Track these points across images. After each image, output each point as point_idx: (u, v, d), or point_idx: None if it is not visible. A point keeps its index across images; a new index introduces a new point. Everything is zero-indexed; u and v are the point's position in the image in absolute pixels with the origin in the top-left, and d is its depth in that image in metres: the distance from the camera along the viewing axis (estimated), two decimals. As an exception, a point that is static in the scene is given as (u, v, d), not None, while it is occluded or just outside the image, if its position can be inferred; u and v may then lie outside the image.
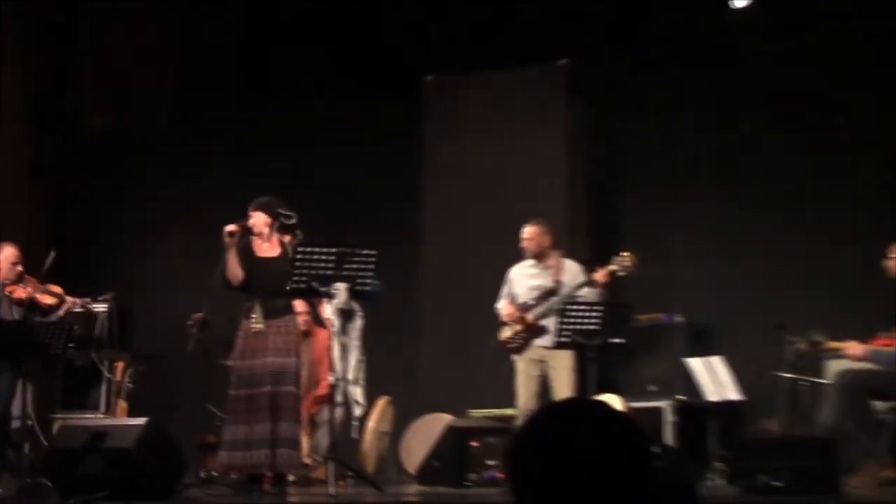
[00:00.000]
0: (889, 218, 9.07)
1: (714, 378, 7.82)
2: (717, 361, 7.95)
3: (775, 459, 6.19)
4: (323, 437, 8.40)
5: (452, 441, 8.09)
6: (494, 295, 8.74)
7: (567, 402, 2.96)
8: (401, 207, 10.59)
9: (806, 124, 9.74)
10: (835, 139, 9.59)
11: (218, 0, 11.09)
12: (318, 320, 7.77)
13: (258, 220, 7.69)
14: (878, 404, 7.19)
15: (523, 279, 8.58)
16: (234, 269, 7.51)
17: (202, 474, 7.88)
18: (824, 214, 9.59)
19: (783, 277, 9.56)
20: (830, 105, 9.66)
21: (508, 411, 8.70)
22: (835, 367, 7.87)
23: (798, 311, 8.71)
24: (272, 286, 7.42)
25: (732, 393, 7.80)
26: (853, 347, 7.42)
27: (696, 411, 8.41)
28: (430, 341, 10.12)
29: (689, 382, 8.26)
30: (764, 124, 9.90)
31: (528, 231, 8.56)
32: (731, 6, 10.26)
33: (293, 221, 7.72)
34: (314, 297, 7.40)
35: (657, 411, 8.74)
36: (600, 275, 8.24)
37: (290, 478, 7.47)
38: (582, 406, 2.74)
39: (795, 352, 7.83)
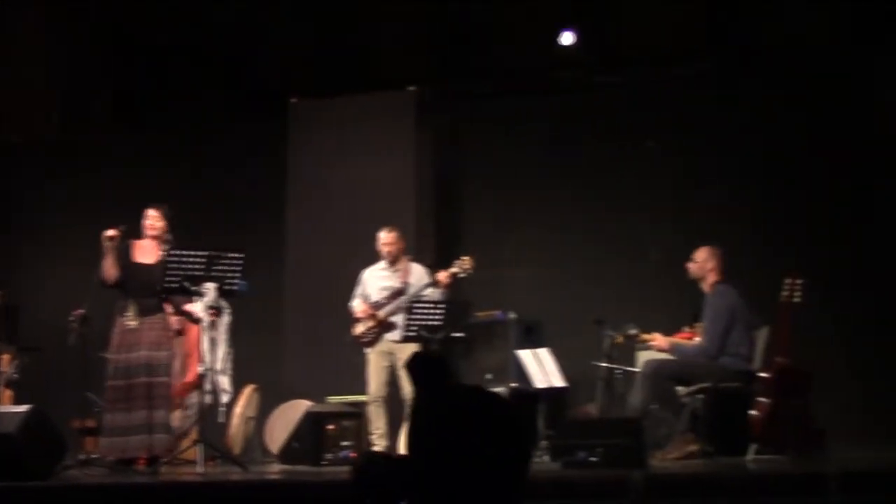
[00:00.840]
0: (693, 225, 9.39)
1: (541, 367, 7.92)
2: (543, 353, 8.07)
3: (592, 438, 6.28)
4: (192, 421, 8.25)
5: (310, 425, 8.07)
6: (349, 293, 8.75)
7: (468, 388, 2.88)
8: (268, 216, 10.45)
9: (621, 146, 9.99)
10: (645, 159, 9.87)
11: (97, 23, 10.76)
12: (182, 314, 7.67)
13: (157, 224, 7.55)
14: (680, 389, 7.38)
15: (375, 280, 8.64)
16: (110, 270, 7.39)
17: (81, 457, 7.68)
18: (637, 223, 9.85)
19: (601, 278, 9.77)
20: (642, 130, 9.93)
21: (361, 397, 8.76)
22: (643, 357, 8.08)
23: (613, 308, 8.86)
24: (147, 289, 7.33)
25: (557, 380, 7.92)
26: (658, 340, 7.61)
27: (527, 396, 8.50)
28: (292, 334, 10.05)
29: (520, 371, 8.35)
30: (585, 145, 10.10)
31: (389, 237, 8.62)
32: (559, 43, 10.46)
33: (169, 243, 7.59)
34: (186, 295, 7.29)
35: None
36: (443, 276, 8.33)
37: (163, 459, 7.33)
38: (481, 393, 2.68)
39: (611, 344, 7.98)
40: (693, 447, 7.03)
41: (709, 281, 7.57)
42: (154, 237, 7.58)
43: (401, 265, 8.63)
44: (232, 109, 11.09)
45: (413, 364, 2.71)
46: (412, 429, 2.60)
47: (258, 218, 10.56)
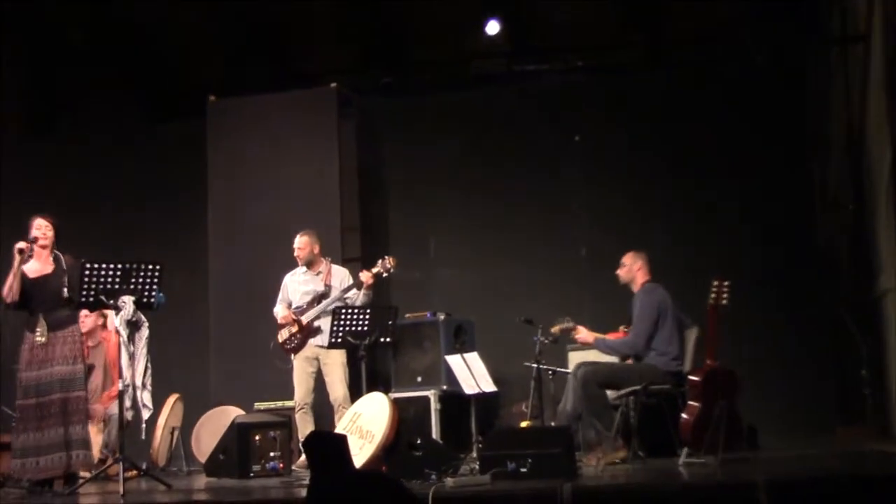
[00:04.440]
0: (621, 223, 9.45)
1: (471, 373, 7.88)
2: (473, 357, 8.00)
3: (521, 448, 6.25)
4: (114, 435, 8.15)
5: (237, 436, 7.94)
6: (275, 296, 8.71)
7: (363, 475, 2.84)
8: (189, 218, 10.30)
9: (547, 141, 9.98)
10: (573, 154, 9.87)
11: (11, 22, 10.46)
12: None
13: (49, 233, 7.34)
14: (610, 392, 7.41)
15: (297, 285, 8.64)
16: (15, 286, 7.16)
17: (-3, 476, 7.52)
18: (567, 219, 9.86)
19: (531, 276, 9.81)
20: (568, 123, 9.93)
21: (288, 403, 8.76)
22: (575, 358, 8.09)
23: (543, 307, 8.88)
24: (52, 301, 7.16)
25: (487, 385, 7.88)
26: (582, 334, 7.67)
27: (458, 399, 8.52)
28: (217, 340, 9.97)
29: (451, 374, 8.29)
30: (510, 139, 10.07)
31: (300, 241, 8.60)
32: (485, 33, 10.38)
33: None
34: (102, 308, 7.16)
35: (425, 400, 8.88)
36: (366, 277, 8.32)
37: (83, 477, 7.21)
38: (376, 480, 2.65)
39: (540, 346, 7.98)
40: (622, 452, 7.08)
41: (638, 282, 7.65)
42: (44, 247, 7.38)
43: (322, 268, 8.61)
44: (149, 109, 10.91)
45: (309, 444, 2.68)
46: None
47: (179, 220, 10.43)
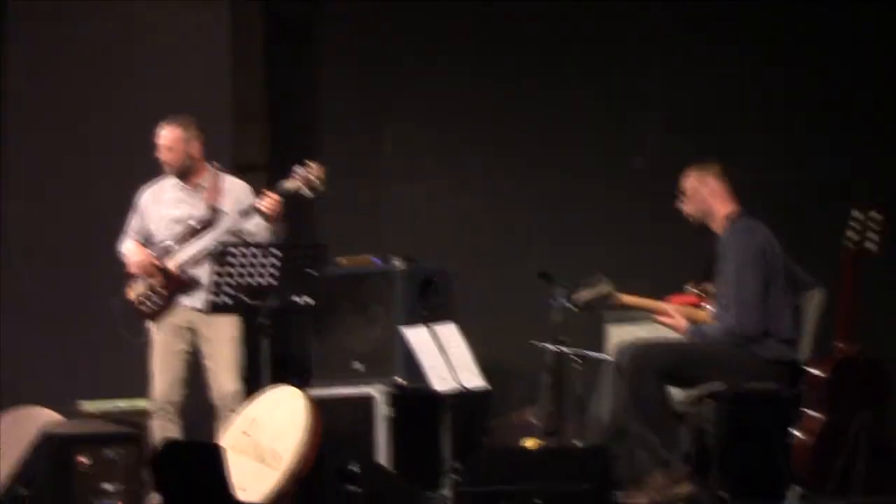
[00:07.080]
0: (699, 116, 9.56)
1: (444, 357, 7.90)
2: (449, 332, 8.04)
3: (525, 480, 6.41)
4: None
5: (49, 455, 8.00)
6: (114, 228, 8.84)
7: None
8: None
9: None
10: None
11: None
12: None
13: None
14: (676, 391, 7.40)
15: (161, 207, 8.75)
16: None
17: None
18: (603, 107, 9.90)
19: (546, 200, 9.88)
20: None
21: (139, 403, 8.93)
22: (616, 335, 8.17)
23: (566, 251, 9.09)
24: None
25: (471, 377, 7.89)
26: (675, 317, 7.55)
27: (422, 401, 8.51)
28: (15, 293, 10.07)
29: (412, 358, 8.29)
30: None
31: (168, 135, 8.67)
32: None
33: None
34: None
35: (366, 401, 8.88)
36: (269, 202, 8.41)
37: None
38: None
39: (561, 312, 7.98)
40: (686, 487, 7.10)
41: (718, 216, 7.60)
42: None
43: (204, 179, 8.69)
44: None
45: (160, 462, 2.63)
46: None
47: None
